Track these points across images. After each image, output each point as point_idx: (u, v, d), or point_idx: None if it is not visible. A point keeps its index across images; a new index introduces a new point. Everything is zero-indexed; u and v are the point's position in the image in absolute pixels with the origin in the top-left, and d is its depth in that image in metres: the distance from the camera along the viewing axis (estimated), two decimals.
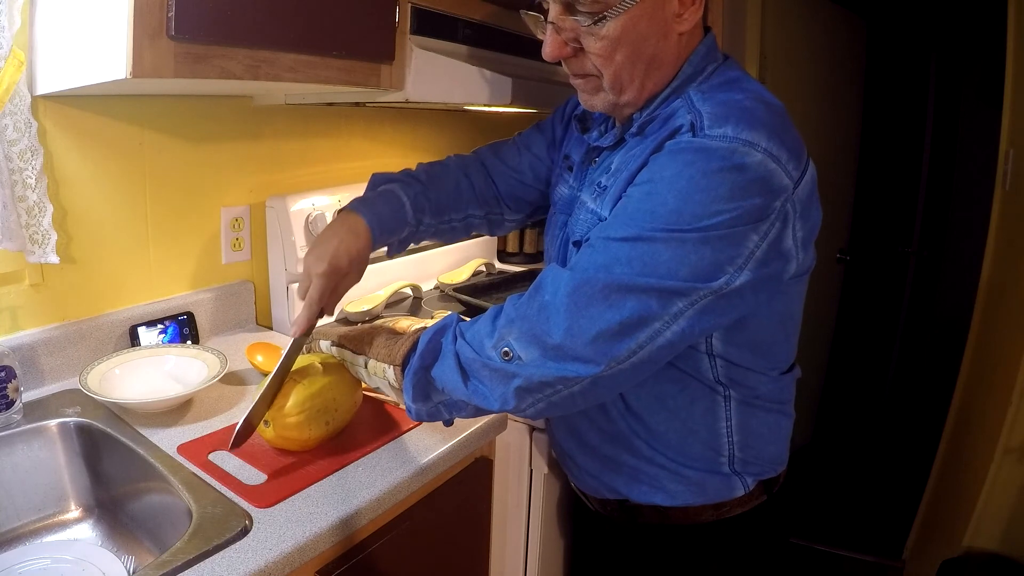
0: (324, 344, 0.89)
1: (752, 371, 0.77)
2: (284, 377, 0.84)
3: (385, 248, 0.95)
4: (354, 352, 0.84)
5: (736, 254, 0.63)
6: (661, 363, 0.68)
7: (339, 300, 0.90)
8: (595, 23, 0.69)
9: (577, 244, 0.78)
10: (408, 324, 1.22)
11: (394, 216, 0.91)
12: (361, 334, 0.85)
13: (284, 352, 0.84)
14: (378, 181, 0.97)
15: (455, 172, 1.01)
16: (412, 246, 1.00)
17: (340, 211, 0.92)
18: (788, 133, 0.66)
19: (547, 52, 0.74)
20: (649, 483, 0.82)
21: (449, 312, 0.83)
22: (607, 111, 0.79)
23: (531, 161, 1.03)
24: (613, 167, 0.77)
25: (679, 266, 0.62)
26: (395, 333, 0.81)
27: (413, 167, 1.01)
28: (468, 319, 0.74)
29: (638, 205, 0.65)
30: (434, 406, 0.75)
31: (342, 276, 0.86)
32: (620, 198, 0.69)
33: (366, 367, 0.81)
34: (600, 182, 0.78)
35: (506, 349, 0.66)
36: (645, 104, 0.75)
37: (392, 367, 0.76)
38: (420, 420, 0.77)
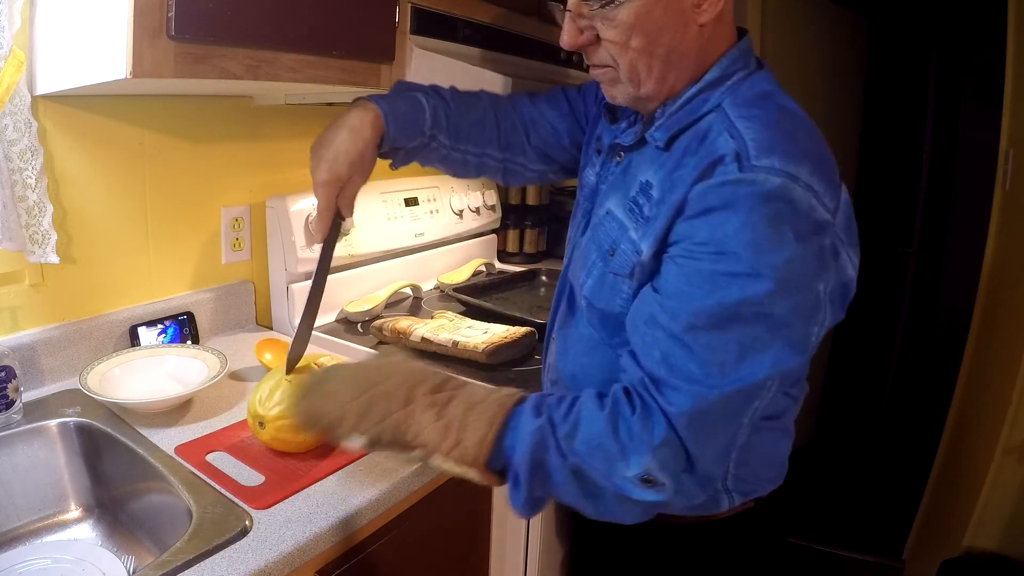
0: (356, 443, 0.68)
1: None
2: (323, 287, 0.87)
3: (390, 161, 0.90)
4: (403, 449, 0.68)
5: (815, 312, 0.63)
6: None
7: (352, 200, 0.84)
8: (604, 6, 0.67)
9: (608, 253, 0.75)
10: (407, 325, 1.18)
11: (411, 118, 0.86)
12: (388, 412, 0.67)
13: (317, 263, 0.85)
14: (402, 86, 0.91)
15: (485, 106, 0.96)
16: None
17: (357, 98, 0.85)
18: (826, 159, 0.65)
19: (564, 40, 0.72)
20: None
21: (513, 391, 0.69)
22: (629, 105, 0.77)
23: (570, 126, 0.98)
24: (654, 193, 0.71)
25: (772, 340, 0.61)
26: (432, 400, 0.67)
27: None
28: (554, 409, 0.66)
29: (712, 268, 0.62)
30: (543, 503, 0.70)
31: (345, 181, 0.81)
32: (665, 234, 0.66)
33: (426, 463, 0.68)
34: (643, 208, 0.72)
35: (649, 478, 0.62)
36: (668, 101, 0.72)
37: (473, 469, 0.66)
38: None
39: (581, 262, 0.81)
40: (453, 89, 0.95)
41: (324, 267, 0.86)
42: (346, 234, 1.38)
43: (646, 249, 0.69)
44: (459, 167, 0.97)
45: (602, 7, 0.68)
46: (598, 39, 0.71)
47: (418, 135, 0.88)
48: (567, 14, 0.72)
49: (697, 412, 0.61)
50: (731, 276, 0.60)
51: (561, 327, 0.86)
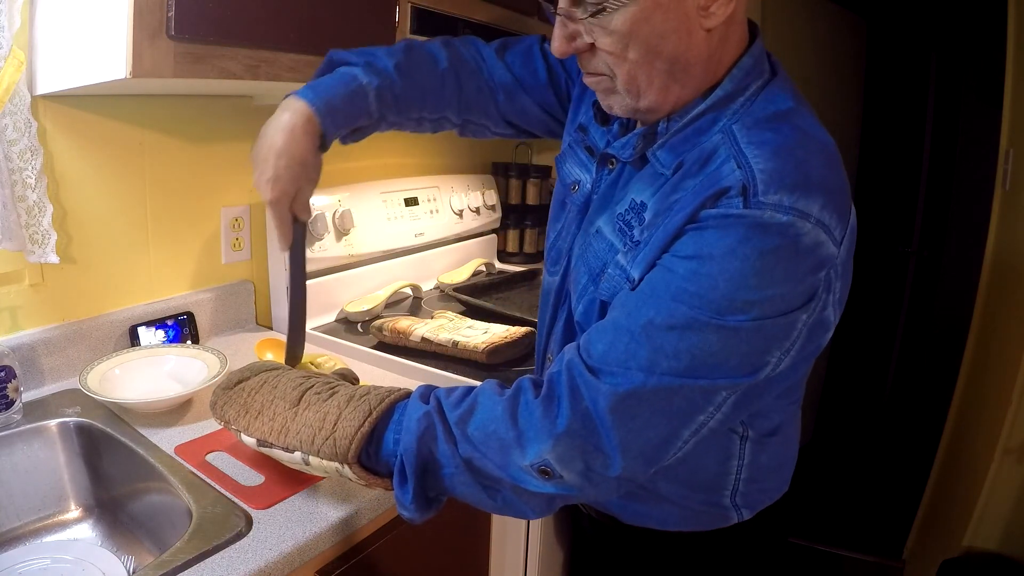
0: (249, 441, 0.70)
1: (774, 410, 0.74)
2: (303, 295, 0.83)
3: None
4: (285, 450, 0.67)
5: (786, 337, 0.58)
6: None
7: (306, 203, 0.78)
8: (593, 15, 0.60)
9: (597, 276, 0.71)
10: (407, 325, 1.17)
11: (351, 106, 0.76)
12: (276, 414, 0.67)
13: (288, 271, 0.82)
14: (336, 60, 0.80)
15: (444, 70, 0.85)
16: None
17: (286, 96, 0.75)
18: (841, 188, 0.60)
19: (554, 47, 0.65)
20: (642, 509, 0.78)
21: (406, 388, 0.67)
22: (628, 116, 0.70)
23: (545, 97, 0.89)
24: (646, 217, 0.66)
25: (728, 356, 0.57)
26: (321, 400, 0.66)
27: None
28: (444, 396, 0.62)
29: (683, 285, 0.57)
30: (438, 503, 0.66)
31: (293, 193, 0.75)
32: (654, 263, 0.62)
33: (308, 464, 0.66)
34: (633, 231, 0.68)
35: (545, 468, 0.58)
36: (673, 115, 0.66)
37: (346, 465, 0.63)
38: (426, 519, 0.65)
39: (574, 284, 0.77)
40: (404, 49, 0.83)
41: (298, 275, 0.82)
42: (346, 235, 1.38)
43: (636, 277, 0.63)
44: (413, 128, 0.89)
45: (592, 16, 0.61)
46: (592, 46, 0.63)
47: (362, 118, 0.78)
48: (557, 18, 0.64)
49: (629, 395, 0.56)
50: (704, 300, 0.56)
51: (560, 348, 0.81)
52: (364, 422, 0.62)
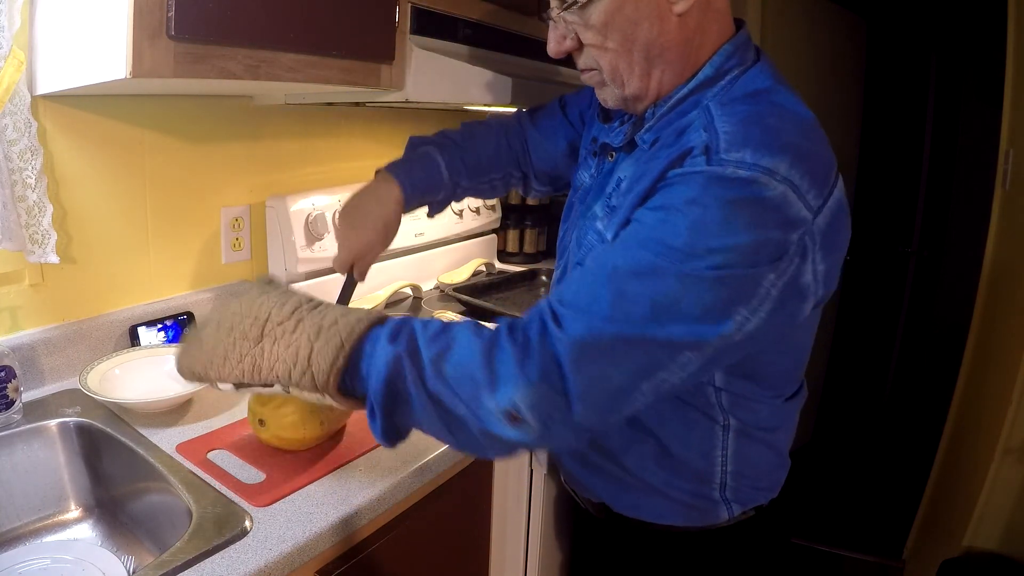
0: (226, 387, 0.70)
1: (756, 401, 0.74)
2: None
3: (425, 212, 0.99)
4: (264, 386, 0.67)
5: (752, 295, 0.58)
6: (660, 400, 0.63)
7: (368, 267, 0.93)
8: (568, 8, 0.67)
9: (586, 253, 0.74)
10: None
11: (429, 179, 0.93)
12: (244, 353, 0.66)
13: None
14: (415, 144, 0.98)
15: (496, 133, 1.02)
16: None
17: (377, 171, 0.93)
18: (815, 154, 0.61)
19: (549, 48, 0.72)
20: (633, 498, 0.80)
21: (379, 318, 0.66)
22: (620, 106, 0.75)
23: (567, 132, 1.00)
24: (623, 185, 0.71)
25: (692, 307, 0.56)
26: (282, 330, 0.65)
27: None
28: (420, 332, 0.63)
29: (649, 233, 0.59)
30: (407, 433, 0.67)
31: (367, 252, 0.91)
32: (627, 221, 0.64)
33: (288, 393, 0.67)
34: (612, 199, 0.73)
35: (514, 413, 0.58)
36: (659, 101, 0.70)
37: (327, 395, 0.64)
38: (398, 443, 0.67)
39: (570, 268, 0.80)
40: (463, 126, 1.02)
41: (348, 292, 0.92)
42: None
43: (610, 237, 0.67)
44: (489, 193, 1.05)
45: (569, 10, 0.67)
46: (581, 44, 0.70)
47: (440, 189, 0.95)
48: (550, 23, 0.72)
49: (588, 342, 0.57)
50: (666, 246, 0.58)
51: None
52: (338, 356, 0.62)
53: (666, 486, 0.78)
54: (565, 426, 0.59)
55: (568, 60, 0.76)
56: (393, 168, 0.92)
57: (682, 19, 0.66)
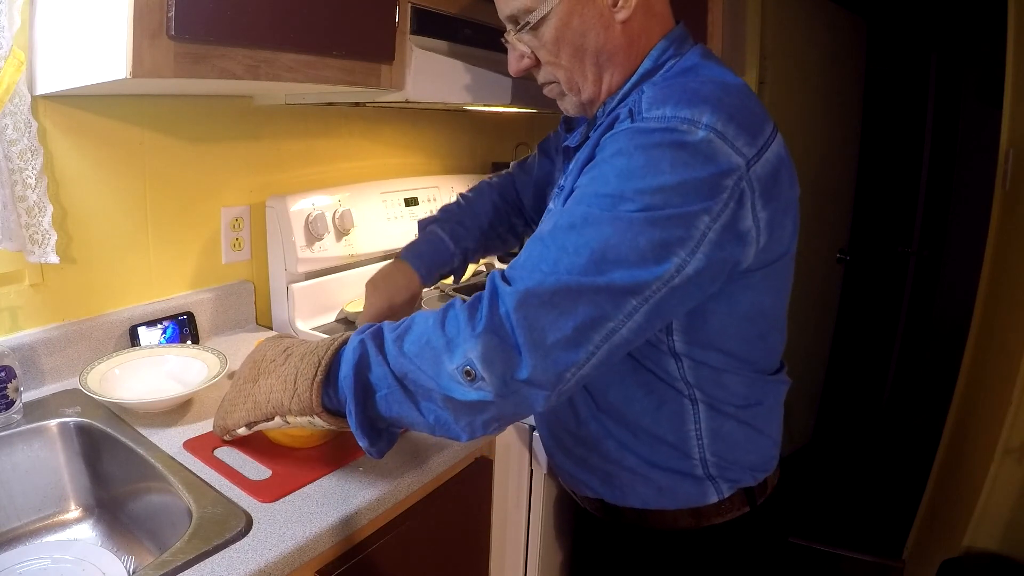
0: (243, 432, 0.77)
1: (724, 371, 0.74)
2: None
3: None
4: (267, 419, 0.73)
5: (687, 236, 0.60)
6: (617, 361, 0.65)
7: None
8: (521, 29, 0.73)
9: None
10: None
11: (437, 253, 1.02)
12: (247, 396, 0.74)
13: None
14: (422, 225, 1.07)
15: (488, 193, 1.11)
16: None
17: (394, 259, 1.03)
18: (740, 106, 0.64)
19: (510, 67, 0.79)
20: (621, 486, 0.81)
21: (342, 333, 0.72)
22: (580, 113, 0.80)
23: (547, 165, 1.07)
24: (571, 167, 0.77)
25: (628, 251, 0.59)
26: (278, 365, 0.71)
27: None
28: (386, 327, 0.67)
29: (583, 191, 0.64)
30: (388, 435, 0.70)
31: (389, 315, 0.97)
32: (571, 192, 0.68)
33: (288, 423, 0.72)
34: (563, 182, 0.79)
35: (469, 370, 0.60)
36: (608, 100, 0.75)
37: (315, 416, 0.68)
38: (382, 455, 0.71)
39: None
40: (460, 196, 1.12)
41: None
42: (347, 235, 1.38)
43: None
44: (501, 247, 1.13)
45: (523, 31, 0.73)
46: (539, 61, 0.77)
47: (451, 259, 1.04)
48: (508, 44, 0.78)
49: (533, 292, 0.59)
50: (597, 196, 0.62)
51: None
52: (316, 371, 0.66)
53: (648, 468, 0.78)
54: (520, 384, 0.60)
55: None
56: (406, 254, 1.02)
57: (625, 25, 0.72)
